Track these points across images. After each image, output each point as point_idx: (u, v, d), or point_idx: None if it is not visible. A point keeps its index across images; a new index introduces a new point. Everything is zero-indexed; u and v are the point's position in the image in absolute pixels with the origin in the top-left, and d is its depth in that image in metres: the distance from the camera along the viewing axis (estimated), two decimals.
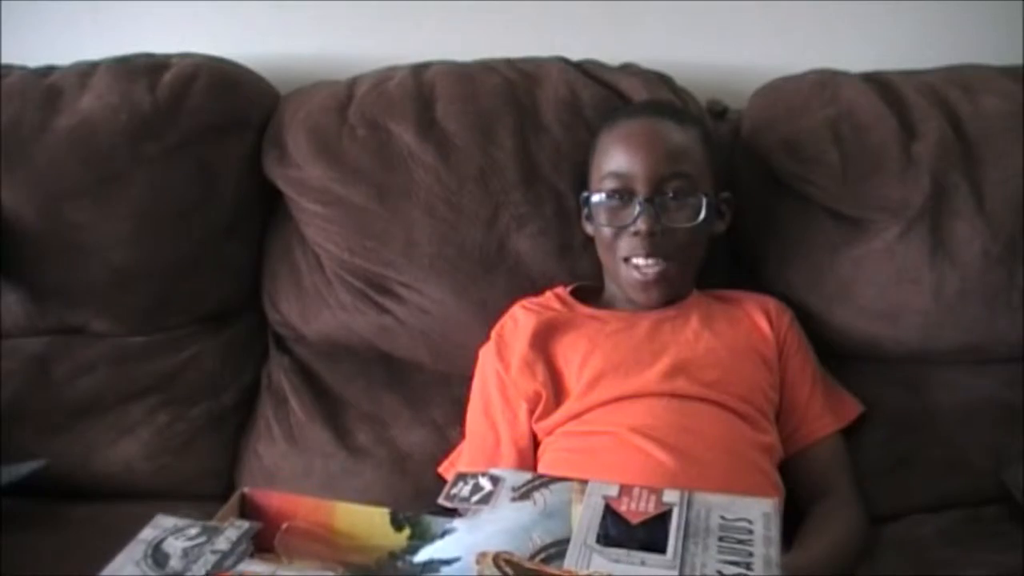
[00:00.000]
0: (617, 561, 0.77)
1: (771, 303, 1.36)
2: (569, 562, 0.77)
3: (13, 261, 1.46)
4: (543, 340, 1.28)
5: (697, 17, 1.64)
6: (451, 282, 1.42)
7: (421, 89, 1.48)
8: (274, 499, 0.94)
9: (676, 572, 0.76)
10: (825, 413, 1.32)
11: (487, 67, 1.51)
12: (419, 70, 1.52)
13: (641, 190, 1.26)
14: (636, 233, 1.26)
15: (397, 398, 1.45)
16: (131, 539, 0.82)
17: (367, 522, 0.91)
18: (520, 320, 1.32)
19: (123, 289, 1.48)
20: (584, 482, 0.87)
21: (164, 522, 0.86)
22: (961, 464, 1.37)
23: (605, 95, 1.47)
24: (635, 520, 0.82)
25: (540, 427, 1.23)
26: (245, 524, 0.84)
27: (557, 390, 1.25)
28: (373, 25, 1.67)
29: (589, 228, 1.37)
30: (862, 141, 1.43)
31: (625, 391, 1.19)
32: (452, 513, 0.83)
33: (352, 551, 0.86)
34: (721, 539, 0.80)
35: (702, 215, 1.28)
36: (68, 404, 1.46)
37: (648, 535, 0.80)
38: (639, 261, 1.28)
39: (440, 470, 1.28)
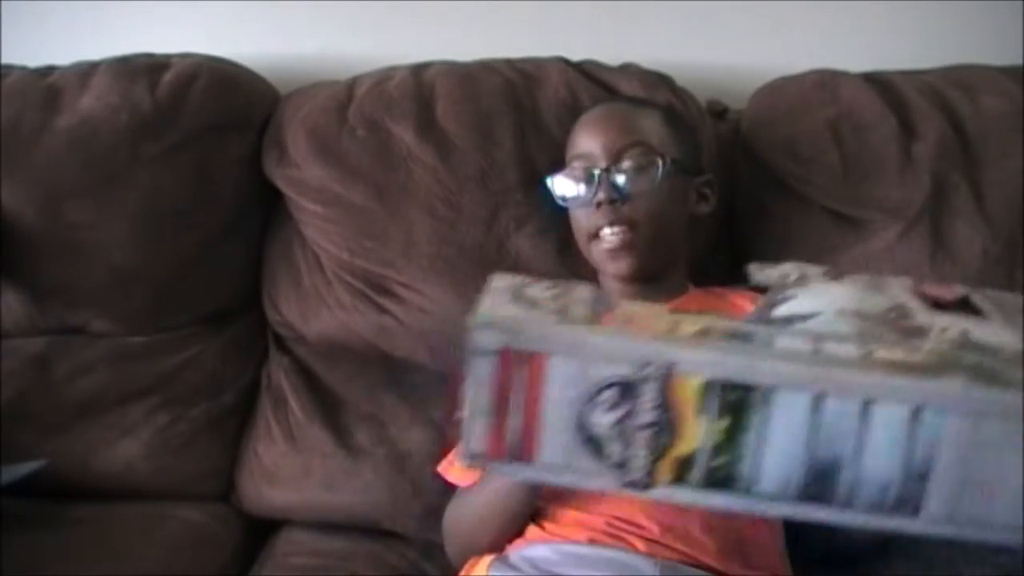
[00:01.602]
0: (960, 319, 0.77)
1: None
2: (919, 320, 0.77)
3: (13, 261, 1.46)
4: None
5: (697, 17, 1.64)
6: (451, 282, 1.42)
7: (421, 89, 1.48)
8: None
9: (1018, 330, 0.75)
10: None
11: (487, 67, 1.51)
12: (419, 70, 1.52)
13: (600, 164, 1.27)
14: (599, 204, 1.26)
15: (396, 398, 1.45)
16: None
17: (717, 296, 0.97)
18: None
19: (123, 289, 1.48)
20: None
21: (500, 279, 0.81)
22: None
23: (605, 96, 1.47)
24: (949, 298, 0.82)
25: None
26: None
27: None
28: (373, 25, 1.67)
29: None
30: (862, 141, 1.42)
31: None
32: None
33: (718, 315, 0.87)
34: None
35: (660, 176, 1.26)
36: (68, 404, 1.46)
37: (967, 309, 0.80)
38: (605, 231, 1.27)
39: (439, 469, 1.28)
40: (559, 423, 0.74)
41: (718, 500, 0.74)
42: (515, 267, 1.41)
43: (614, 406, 0.73)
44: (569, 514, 1.13)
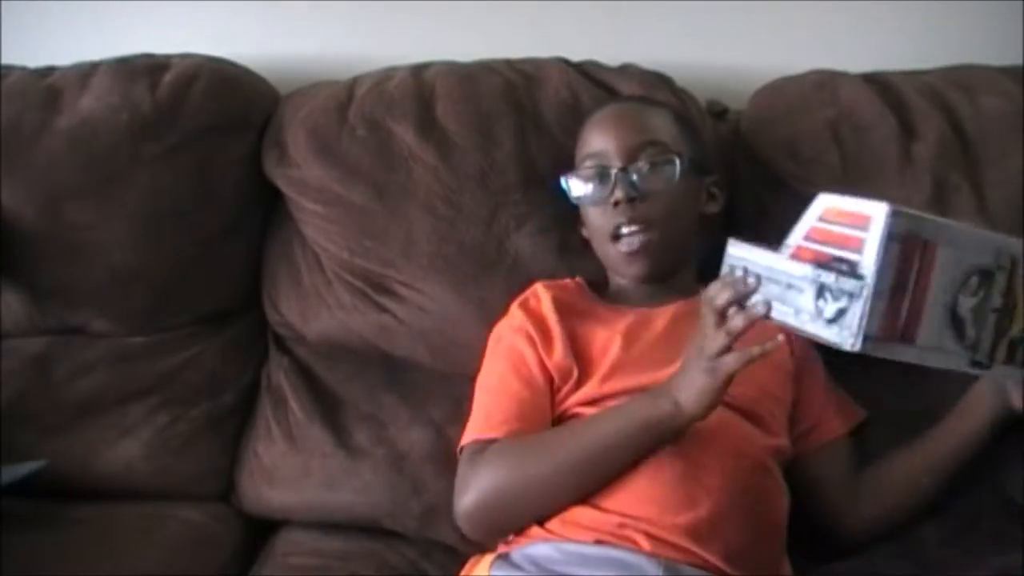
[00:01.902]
0: None
1: None
2: None
3: (13, 261, 1.46)
4: (567, 319, 1.27)
5: (697, 18, 1.64)
6: (450, 281, 1.42)
7: (421, 89, 1.48)
8: None
9: None
10: (838, 415, 1.32)
11: (487, 67, 1.51)
12: (419, 70, 1.52)
13: (616, 163, 1.28)
14: (616, 203, 1.26)
15: (396, 398, 1.45)
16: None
17: None
18: (543, 298, 1.30)
19: (123, 289, 1.48)
20: None
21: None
22: (964, 475, 1.37)
23: (605, 96, 1.47)
24: None
25: (566, 403, 1.22)
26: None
27: (582, 369, 1.23)
28: (373, 25, 1.68)
29: (584, 231, 1.37)
30: (862, 141, 1.43)
31: (639, 384, 1.18)
32: None
33: None
34: None
35: (677, 175, 1.28)
36: (68, 404, 1.46)
37: None
38: (623, 230, 1.28)
39: (471, 438, 1.23)
40: (938, 306, 0.89)
41: None
42: (515, 266, 1.41)
43: (975, 291, 0.89)
44: (580, 512, 1.12)
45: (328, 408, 1.45)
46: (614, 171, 1.27)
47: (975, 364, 0.90)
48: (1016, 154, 1.41)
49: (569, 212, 1.38)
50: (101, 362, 1.49)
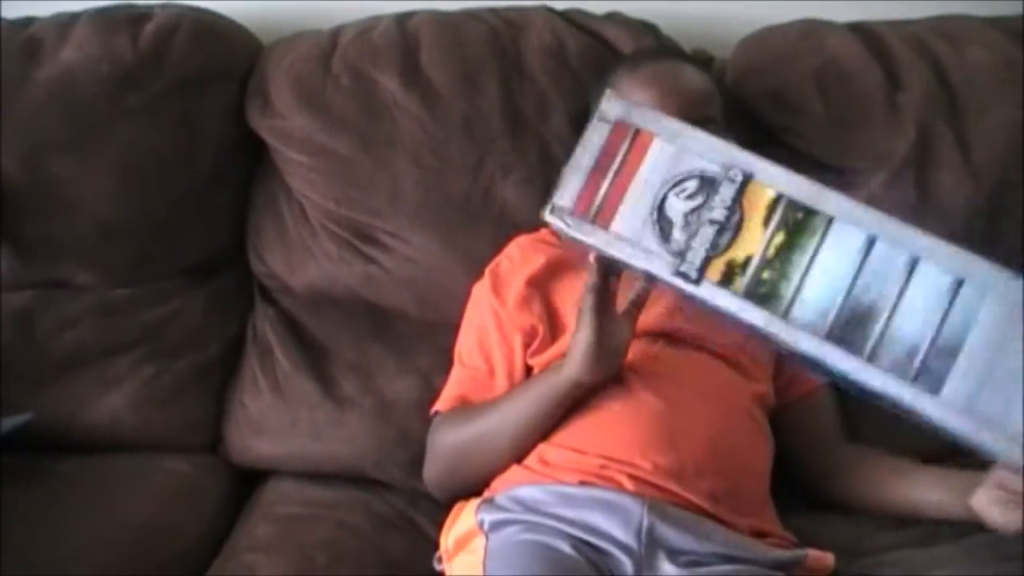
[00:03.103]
0: None
1: None
2: None
3: None
4: (541, 277, 1.27)
5: None
6: (437, 231, 1.42)
7: (405, 38, 1.47)
8: None
9: None
10: None
11: (471, 15, 1.50)
12: (403, 19, 1.51)
13: None
14: None
15: (382, 347, 1.45)
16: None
17: None
18: (516, 258, 1.31)
19: (107, 242, 1.47)
20: None
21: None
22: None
23: (590, 44, 1.47)
24: None
25: (535, 361, 1.23)
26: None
27: (553, 325, 1.24)
28: None
29: None
30: (847, 91, 1.43)
31: None
32: None
33: None
34: None
35: None
36: (53, 358, 1.46)
37: None
38: None
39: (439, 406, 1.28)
40: (642, 199, 0.85)
41: (754, 314, 0.81)
42: (501, 216, 1.41)
43: (692, 196, 0.83)
44: (562, 455, 1.14)
45: (314, 358, 1.45)
46: None
47: (680, 275, 0.83)
48: (1001, 104, 1.42)
49: (555, 160, 1.38)
50: (86, 315, 1.48)
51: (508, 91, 1.43)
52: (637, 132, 0.86)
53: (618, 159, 0.86)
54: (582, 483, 1.10)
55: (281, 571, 1.21)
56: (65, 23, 1.50)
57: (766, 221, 0.80)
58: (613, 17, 1.53)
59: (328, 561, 1.22)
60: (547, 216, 0.89)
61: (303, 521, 1.31)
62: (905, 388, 0.76)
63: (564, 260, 1.29)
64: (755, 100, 1.45)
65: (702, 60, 1.50)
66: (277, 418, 1.43)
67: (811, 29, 1.49)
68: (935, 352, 0.74)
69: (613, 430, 1.12)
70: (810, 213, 0.79)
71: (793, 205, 0.80)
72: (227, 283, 1.54)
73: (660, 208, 0.85)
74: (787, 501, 1.22)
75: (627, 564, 1.05)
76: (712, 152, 0.84)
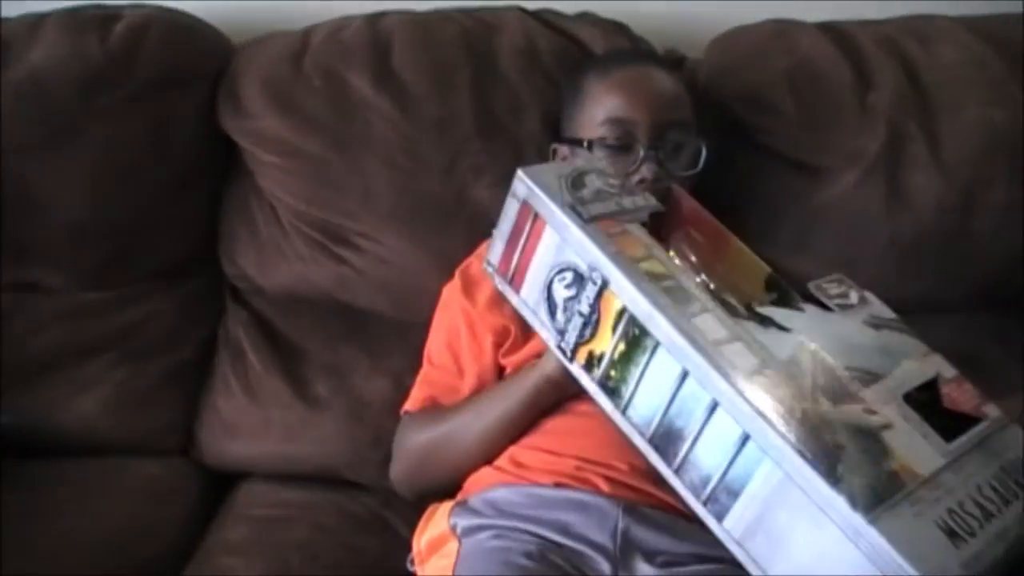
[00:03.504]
0: (906, 420, 0.85)
1: None
2: (868, 395, 0.86)
3: None
4: None
5: None
6: (409, 232, 1.42)
7: (377, 38, 1.46)
8: (691, 205, 1.12)
9: (944, 461, 0.83)
10: None
11: (443, 16, 1.50)
12: (375, 19, 1.50)
13: (643, 137, 1.23)
14: (641, 181, 1.21)
15: (355, 348, 1.45)
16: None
17: (749, 267, 1.06)
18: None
19: (78, 244, 1.46)
20: (934, 352, 0.96)
21: (595, 160, 1.06)
22: None
23: (563, 44, 1.47)
24: (949, 406, 0.91)
25: (508, 361, 1.23)
26: (653, 201, 1.00)
27: (525, 325, 1.24)
28: None
29: None
30: (818, 90, 1.43)
31: None
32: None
33: (723, 279, 0.98)
34: (1003, 469, 0.87)
35: (700, 163, 1.26)
36: (24, 361, 1.44)
37: (949, 424, 0.87)
38: None
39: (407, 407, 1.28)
40: (538, 275, 0.94)
41: (605, 403, 0.90)
42: (474, 217, 1.41)
43: (569, 285, 0.91)
44: (537, 457, 1.14)
45: (287, 360, 1.45)
46: (641, 148, 1.22)
47: (560, 350, 0.93)
48: (971, 103, 1.43)
49: (528, 161, 1.38)
50: (57, 318, 1.47)
51: (480, 91, 1.42)
52: (536, 216, 0.93)
53: (524, 235, 0.95)
54: (557, 485, 1.10)
55: (256, 573, 1.21)
56: (33, 23, 1.48)
57: (614, 327, 0.87)
58: (585, 17, 1.53)
59: (302, 562, 1.22)
60: (484, 268, 1.00)
61: (277, 523, 1.31)
62: (698, 507, 0.84)
63: None
64: (727, 100, 1.45)
65: (674, 60, 1.51)
66: (250, 420, 1.42)
67: (782, 29, 1.50)
68: (722, 488, 0.82)
69: (588, 432, 1.11)
70: (644, 332, 0.85)
71: (632, 320, 0.86)
72: (199, 285, 1.53)
73: (549, 289, 0.93)
74: None
75: (604, 564, 1.06)
76: (583, 251, 0.89)
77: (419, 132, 1.41)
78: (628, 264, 0.87)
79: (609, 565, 1.05)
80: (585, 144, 1.26)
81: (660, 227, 1.02)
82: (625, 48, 1.46)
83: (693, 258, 1.01)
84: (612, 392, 0.89)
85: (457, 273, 1.31)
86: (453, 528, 1.11)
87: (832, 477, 0.76)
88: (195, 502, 1.40)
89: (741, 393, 0.80)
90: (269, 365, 1.44)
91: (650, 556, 1.06)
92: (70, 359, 1.45)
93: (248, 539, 1.28)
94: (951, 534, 0.77)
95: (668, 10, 1.58)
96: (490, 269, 1.00)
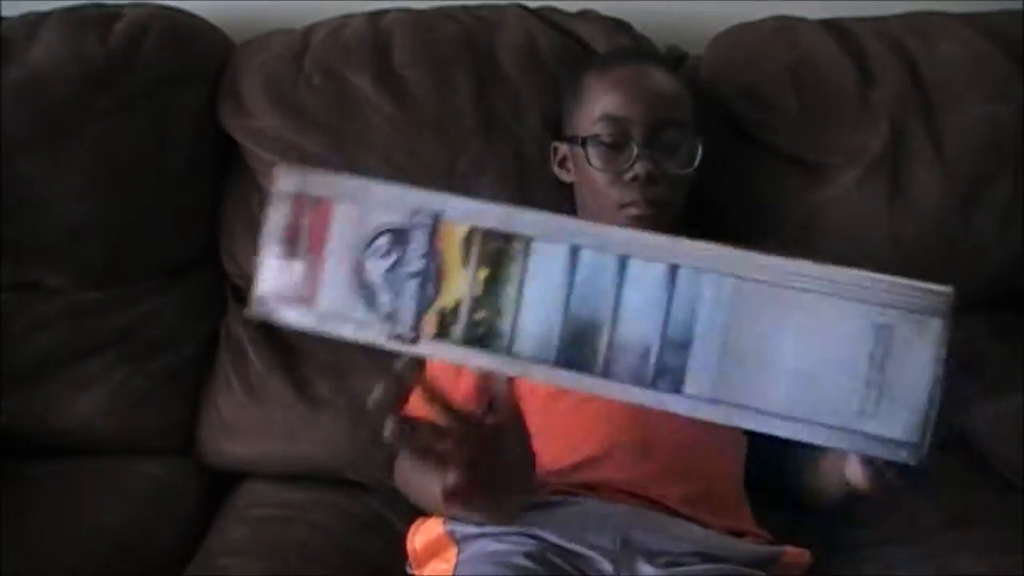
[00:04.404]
0: None
1: None
2: None
3: None
4: None
5: None
6: None
7: (378, 36, 1.46)
8: None
9: None
10: None
11: (444, 14, 1.50)
12: (375, 17, 1.50)
13: (638, 135, 1.23)
14: (634, 179, 1.22)
15: (356, 348, 1.43)
16: None
17: None
18: None
19: (78, 244, 1.45)
20: None
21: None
22: None
23: (564, 42, 1.46)
24: None
25: None
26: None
27: None
28: None
29: (564, 175, 1.35)
30: (820, 87, 1.43)
31: None
32: None
33: None
34: None
35: (696, 162, 1.26)
36: (24, 361, 1.44)
37: None
38: (633, 211, 1.24)
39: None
40: (338, 269, 0.76)
41: (480, 359, 0.74)
42: None
43: (387, 253, 0.75)
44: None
45: (288, 359, 1.44)
46: (636, 146, 1.23)
47: (398, 338, 0.76)
48: (973, 100, 1.43)
49: (528, 159, 1.38)
50: (57, 317, 1.46)
51: (481, 89, 1.42)
52: (317, 201, 0.79)
53: (305, 234, 0.79)
54: (555, 491, 1.10)
55: (256, 574, 1.20)
56: (33, 22, 1.48)
57: (465, 260, 0.74)
58: (586, 15, 1.52)
59: (303, 563, 1.22)
60: (253, 311, 0.80)
61: (278, 523, 1.30)
62: (648, 394, 0.71)
63: None
64: (729, 97, 1.45)
65: (677, 57, 1.51)
66: (251, 420, 1.42)
67: (784, 26, 1.50)
68: (667, 349, 0.69)
69: (585, 437, 1.12)
70: (507, 239, 0.73)
71: (488, 235, 0.73)
72: (200, 284, 1.53)
73: (358, 274, 0.77)
74: (763, 500, 1.21)
75: (605, 564, 1.05)
76: (396, 201, 0.76)
77: (419, 130, 1.41)
78: (453, 192, 0.76)
79: (611, 565, 1.05)
80: (580, 142, 1.27)
81: None
82: (625, 47, 1.46)
83: None
84: (485, 339, 0.74)
85: None
86: (450, 534, 1.10)
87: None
88: (196, 502, 1.39)
89: (641, 233, 0.70)
90: (270, 364, 1.43)
91: (651, 556, 1.05)
92: (71, 359, 1.45)
93: (248, 539, 1.27)
94: None
95: (670, 7, 1.58)
96: (262, 306, 0.79)
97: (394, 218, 0.75)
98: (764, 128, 1.43)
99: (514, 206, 0.72)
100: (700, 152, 1.27)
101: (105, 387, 1.44)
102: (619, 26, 1.50)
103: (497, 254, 0.73)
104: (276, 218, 0.79)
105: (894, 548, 1.19)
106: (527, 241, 0.72)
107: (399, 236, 0.75)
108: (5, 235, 1.44)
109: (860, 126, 1.42)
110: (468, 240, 0.73)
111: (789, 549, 1.12)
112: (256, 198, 1.49)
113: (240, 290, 1.52)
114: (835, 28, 1.49)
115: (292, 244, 0.78)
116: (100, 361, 1.45)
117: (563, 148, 1.33)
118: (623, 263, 0.70)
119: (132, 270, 1.50)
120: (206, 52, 1.52)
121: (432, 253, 0.74)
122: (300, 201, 0.78)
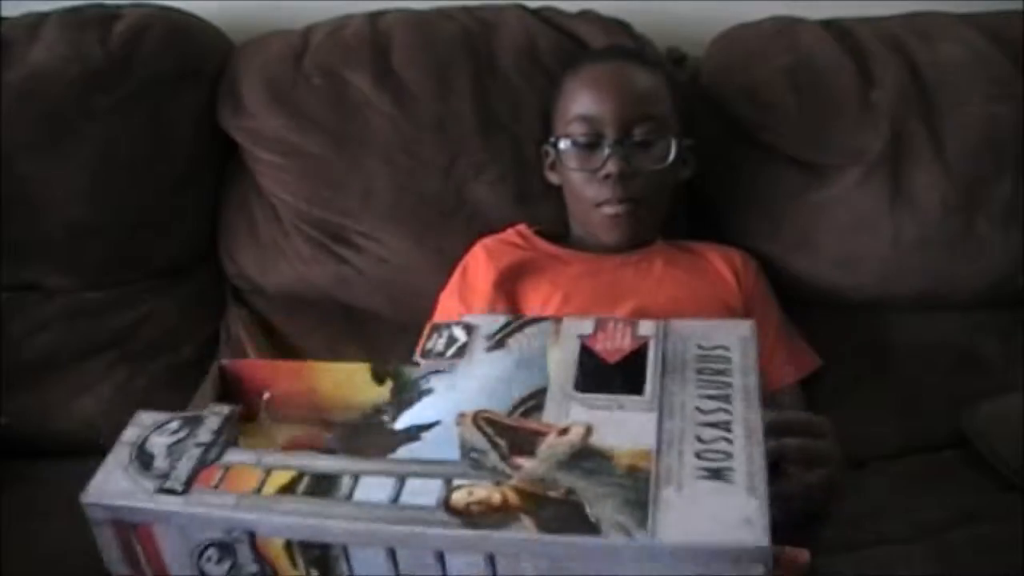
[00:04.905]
0: (595, 408, 0.77)
1: (737, 254, 1.36)
2: (548, 415, 0.77)
3: None
4: (505, 281, 1.27)
5: None
6: (409, 231, 1.42)
7: (377, 37, 1.46)
8: (254, 368, 0.98)
9: (655, 414, 0.75)
10: (788, 363, 1.31)
11: (444, 14, 1.50)
12: (375, 18, 1.50)
13: (610, 133, 1.25)
14: (607, 176, 1.24)
15: (356, 348, 1.44)
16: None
17: (349, 380, 0.93)
18: (482, 261, 1.31)
19: (78, 244, 1.46)
20: (559, 320, 0.87)
21: (145, 419, 0.91)
22: (920, 410, 1.39)
23: (563, 42, 1.47)
24: (612, 359, 0.83)
25: None
26: (225, 409, 0.86)
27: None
28: None
29: (553, 177, 1.36)
30: (820, 88, 1.43)
31: None
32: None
33: (337, 410, 0.88)
34: (699, 372, 0.80)
35: (671, 157, 1.27)
36: (25, 362, 1.44)
37: (626, 375, 0.80)
38: (608, 209, 1.26)
39: None
40: (184, 573, 0.77)
41: None
42: (474, 215, 1.41)
43: (220, 561, 0.76)
44: None
45: (288, 359, 1.43)
46: (608, 143, 1.24)
47: None
48: (974, 102, 1.42)
49: (527, 159, 1.38)
50: (57, 318, 1.47)
51: (481, 90, 1.42)
52: (135, 526, 0.78)
53: (138, 551, 0.79)
54: None
55: None
56: (33, 23, 1.49)
57: (293, 563, 0.75)
58: (586, 15, 1.52)
59: None
60: None
61: None
62: None
63: (529, 261, 1.30)
64: (729, 98, 1.45)
65: (678, 58, 1.51)
66: None
67: (784, 26, 1.49)
68: None
69: None
70: (323, 547, 0.74)
71: (304, 545, 0.74)
72: (200, 285, 1.53)
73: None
74: None
75: None
76: (206, 523, 0.76)
77: (419, 130, 1.41)
78: (260, 501, 0.75)
79: None
80: (554, 141, 1.29)
81: (244, 411, 0.90)
82: (604, 46, 1.45)
83: (298, 411, 0.91)
84: None
85: (453, 280, 1.32)
86: None
87: (587, 527, 0.68)
88: None
89: (457, 528, 0.70)
90: None
91: None
92: (71, 359, 1.45)
93: None
94: (717, 475, 0.70)
95: (670, 7, 1.59)
96: None
97: (213, 535, 0.76)
98: (764, 128, 1.43)
99: (324, 515, 0.72)
100: (675, 148, 1.27)
101: (106, 388, 1.44)
102: (619, 26, 1.50)
103: (320, 559, 0.74)
104: (107, 541, 0.79)
105: (893, 548, 1.19)
106: (343, 546, 0.73)
107: (225, 548, 0.76)
108: (5, 235, 1.44)
109: (860, 126, 1.41)
110: (289, 548, 0.74)
111: (788, 549, 1.12)
112: (256, 198, 1.50)
113: (239, 291, 1.53)
114: (835, 28, 1.49)
115: (134, 563, 0.78)
116: (101, 362, 1.45)
117: (552, 151, 1.34)
118: (441, 556, 0.71)
119: (132, 270, 1.50)
120: (206, 52, 1.52)
121: (261, 559, 0.75)
122: (120, 525, 0.79)
